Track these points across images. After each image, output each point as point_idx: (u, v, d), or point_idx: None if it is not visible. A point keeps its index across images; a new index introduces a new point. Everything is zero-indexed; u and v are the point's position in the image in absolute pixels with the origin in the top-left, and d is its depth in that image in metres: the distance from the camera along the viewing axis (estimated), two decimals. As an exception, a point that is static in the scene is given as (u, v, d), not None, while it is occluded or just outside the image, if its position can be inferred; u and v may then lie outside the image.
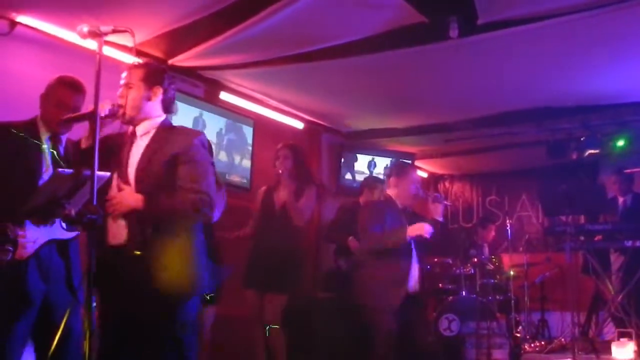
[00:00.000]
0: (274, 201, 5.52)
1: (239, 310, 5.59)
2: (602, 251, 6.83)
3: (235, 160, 6.59)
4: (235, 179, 6.55)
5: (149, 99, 3.13)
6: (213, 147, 6.09)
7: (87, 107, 3.16)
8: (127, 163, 3.07)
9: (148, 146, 3.08)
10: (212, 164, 3.21)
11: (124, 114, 3.05)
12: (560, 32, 4.95)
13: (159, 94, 3.15)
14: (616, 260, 6.93)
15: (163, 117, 3.21)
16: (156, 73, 3.21)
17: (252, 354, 5.48)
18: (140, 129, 3.15)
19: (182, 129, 3.25)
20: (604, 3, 4.48)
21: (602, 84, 6.21)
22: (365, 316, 4.95)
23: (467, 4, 4.48)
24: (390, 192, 5.06)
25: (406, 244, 4.82)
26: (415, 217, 5.09)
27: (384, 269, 4.82)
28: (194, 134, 3.17)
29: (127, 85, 3.11)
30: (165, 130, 3.16)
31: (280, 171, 5.46)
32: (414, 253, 4.96)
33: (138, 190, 2.97)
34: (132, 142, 3.14)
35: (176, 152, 3.02)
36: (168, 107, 3.25)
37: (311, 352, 5.95)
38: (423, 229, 4.66)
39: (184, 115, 5.99)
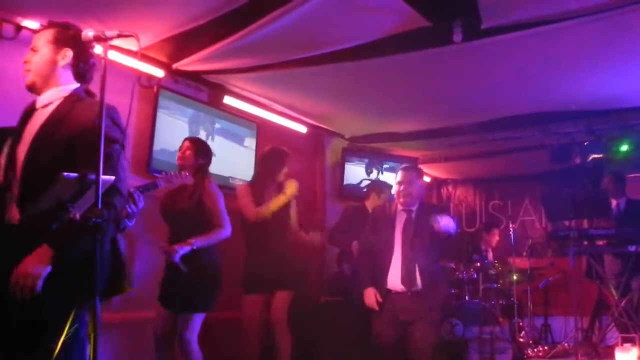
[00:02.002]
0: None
1: (230, 314, 5.62)
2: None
3: (237, 163, 6.58)
4: (238, 183, 6.54)
5: (55, 63, 2.84)
6: (216, 149, 6.15)
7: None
8: (19, 139, 2.76)
9: (48, 119, 2.75)
10: (118, 142, 2.73)
11: (25, 78, 2.84)
12: (564, 36, 4.95)
13: (68, 57, 2.85)
14: (610, 264, 6.90)
15: (75, 85, 2.89)
16: (66, 34, 2.88)
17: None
18: (41, 100, 2.83)
19: (91, 103, 2.81)
20: (608, 7, 4.48)
21: (606, 88, 6.21)
22: (359, 317, 5.30)
23: (471, 9, 4.48)
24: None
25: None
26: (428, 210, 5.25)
27: (368, 269, 5.13)
28: (109, 114, 2.69)
29: (33, 49, 2.87)
30: (74, 101, 2.81)
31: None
32: (399, 251, 5.03)
33: (27, 170, 2.68)
34: (29, 116, 2.83)
35: (77, 133, 2.67)
36: (82, 75, 2.91)
37: (316, 356, 5.96)
38: (368, 301, 5.00)
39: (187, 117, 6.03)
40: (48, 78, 2.85)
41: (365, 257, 5.31)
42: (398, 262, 4.99)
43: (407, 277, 4.92)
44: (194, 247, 4.50)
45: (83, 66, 2.90)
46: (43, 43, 2.87)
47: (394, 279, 4.95)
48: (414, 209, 5.13)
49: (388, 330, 4.94)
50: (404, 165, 5.78)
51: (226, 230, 4.70)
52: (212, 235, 4.64)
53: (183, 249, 4.47)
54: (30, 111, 2.86)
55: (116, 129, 2.74)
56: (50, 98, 2.82)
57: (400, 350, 4.95)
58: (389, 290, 4.97)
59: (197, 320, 4.57)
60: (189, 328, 4.51)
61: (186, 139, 5.05)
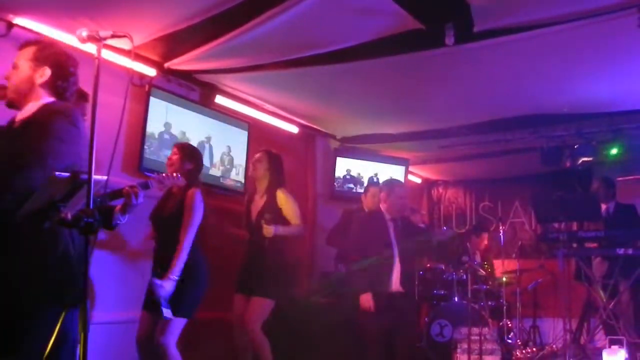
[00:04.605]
0: (251, 212, 5.68)
1: (223, 314, 5.62)
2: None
3: (229, 163, 6.58)
4: (230, 182, 6.55)
5: (32, 80, 2.83)
6: (207, 150, 6.15)
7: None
8: None
9: (15, 126, 2.77)
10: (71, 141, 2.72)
11: (4, 95, 2.84)
12: (556, 40, 4.97)
13: (46, 75, 2.85)
14: (598, 266, 6.94)
15: (50, 100, 2.87)
16: (46, 52, 2.89)
17: (234, 357, 5.50)
18: (19, 116, 2.83)
19: (55, 105, 2.82)
20: (598, 12, 4.50)
21: (596, 92, 6.24)
22: (354, 318, 5.65)
23: (464, 12, 4.49)
24: (382, 205, 5.82)
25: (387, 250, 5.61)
26: (408, 224, 5.96)
27: (366, 272, 5.50)
28: (61, 110, 2.75)
29: (13, 66, 2.88)
30: (44, 109, 2.79)
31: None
32: (396, 254, 5.62)
33: None
34: (10, 130, 2.83)
35: (25, 118, 2.72)
36: (61, 93, 2.89)
37: (306, 356, 5.97)
38: (365, 305, 5.44)
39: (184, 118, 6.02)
40: (26, 95, 2.85)
41: (361, 262, 5.63)
42: (397, 266, 5.58)
43: (404, 279, 5.60)
44: (175, 278, 4.38)
45: (62, 84, 2.89)
46: (23, 60, 2.88)
47: (395, 282, 5.55)
48: (399, 220, 5.78)
49: (383, 328, 5.43)
50: (389, 180, 6.46)
51: (186, 249, 4.48)
52: (180, 257, 4.44)
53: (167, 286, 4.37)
54: (10, 127, 2.85)
55: (73, 129, 2.74)
56: (25, 112, 2.82)
57: (389, 347, 5.47)
58: (391, 293, 5.52)
59: (177, 324, 4.45)
60: (167, 332, 4.39)
61: (175, 144, 5.05)
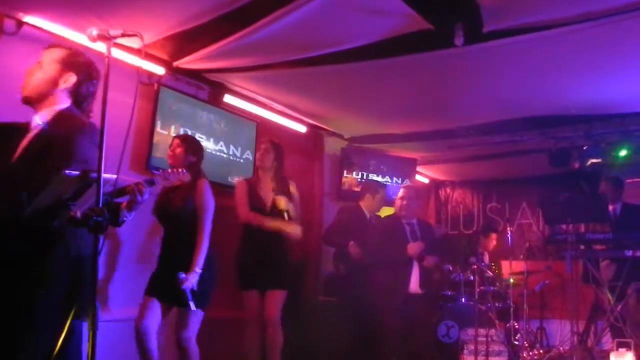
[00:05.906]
0: (261, 197, 5.55)
1: (225, 312, 5.62)
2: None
3: (237, 161, 6.58)
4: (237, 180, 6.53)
5: (55, 83, 2.82)
6: (216, 147, 6.14)
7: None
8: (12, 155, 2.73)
9: (33, 137, 2.73)
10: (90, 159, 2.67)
11: (22, 90, 2.84)
12: (566, 41, 4.95)
13: (70, 81, 2.85)
14: (605, 269, 6.91)
15: (65, 105, 2.85)
16: (76, 59, 2.90)
17: (243, 355, 5.47)
18: (36, 118, 2.80)
19: (73, 118, 2.81)
20: (609, 13, 4.49)
21: (606, 94, 6.21)
22: (371, 316, 5.87)
23: (473, 12, 4.49)
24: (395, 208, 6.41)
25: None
26: (426, 227, 6.54)
27: (386, 273, 5.85)
28: (83, 129, 2.73)
29: (39, 63, 2.87)
30: (62, 116, 2.79)
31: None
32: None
33: (12, 178, 2.65)
34: (25, 134, 2.79)
35: (52, 135, 2.68)
36: (80, 102, 2.89)
37: (311, 354, 5.97)
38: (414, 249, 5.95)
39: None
40: (45, 96, 2.83)
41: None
42: (416, 268, 5.90)
43: (424, 281, 5.93)
44: (200, 271, 4.45)
45: (83, 94, 2.89)
46: (50, 61, 2.86)
47: (414, 283, 5.87)
48: (414, 222, 6.21)
49: (402, 328, 5.75)
50: (406, 184, 6.97)
51: (206, 241, 4.58)
52: (201, 249, 4.53)
53: (192, 279, 4.43)
54: (24, 129, 2.83)
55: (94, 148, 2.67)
56: (46, 116, 2.80)
57: (407, 346, 5.81)
58: (409, 294, 5.83)
59: (198, 317, 4.53)
60: (190, 326, 4.46)
61: (176, 136, 5.05)
